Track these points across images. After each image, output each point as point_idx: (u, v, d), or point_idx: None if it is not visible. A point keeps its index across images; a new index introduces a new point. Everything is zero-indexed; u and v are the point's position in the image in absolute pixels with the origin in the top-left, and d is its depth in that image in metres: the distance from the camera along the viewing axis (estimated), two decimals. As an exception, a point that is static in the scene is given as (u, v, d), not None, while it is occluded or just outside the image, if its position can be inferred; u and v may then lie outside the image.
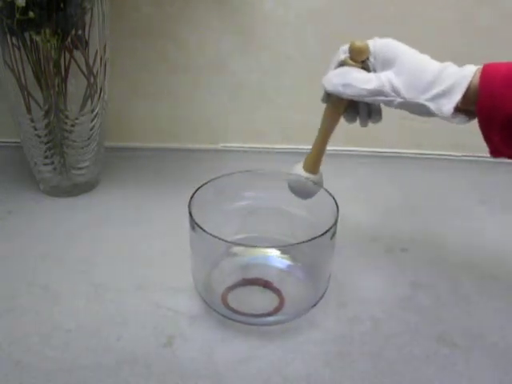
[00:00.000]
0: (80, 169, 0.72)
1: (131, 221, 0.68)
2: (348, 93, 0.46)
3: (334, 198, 0.50)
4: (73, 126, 0.68)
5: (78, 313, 0.52)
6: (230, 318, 0.50)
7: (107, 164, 0.78)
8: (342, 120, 0.52)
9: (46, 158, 0.70)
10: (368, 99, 0.45)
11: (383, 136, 0.83)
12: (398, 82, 0.44)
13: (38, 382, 0.44)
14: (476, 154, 0.86)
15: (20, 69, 0.62)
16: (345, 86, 0.46)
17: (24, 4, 0.55)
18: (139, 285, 0.56)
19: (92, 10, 0.62)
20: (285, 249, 0.55)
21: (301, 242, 0.46)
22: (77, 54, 0.63)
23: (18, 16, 0.56)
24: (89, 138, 0.70)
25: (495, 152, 0.46)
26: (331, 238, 0.48)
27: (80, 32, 0.62)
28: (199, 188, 0.52)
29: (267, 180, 0.57)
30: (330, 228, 0.47)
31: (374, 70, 0.47)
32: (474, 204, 0.74)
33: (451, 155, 0.87)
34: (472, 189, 0.78)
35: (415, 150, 0.87)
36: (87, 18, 0.62)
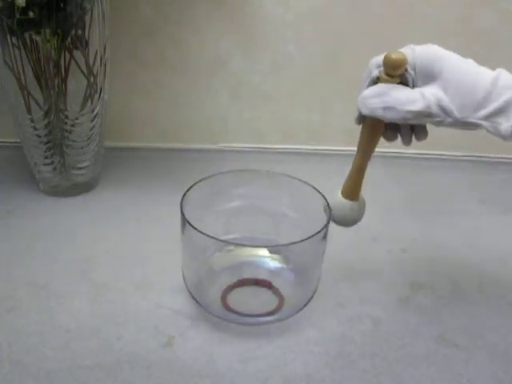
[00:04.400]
0: (80, 169, 0.72)
1: (131, 221, 0.68)
2: (390, 117, 0.40)
3: (326, 199, 0.50)
4: (73, 125, 0.68)
5: (78, 313, 0.52)
6: (226, 320, 0.50)
7: (107, 164, 0.78)
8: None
9: (46, 158, 0.70)
10: (413, 122, 0.41)
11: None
12: (448, 101, 0.39)
13: (37, 382, 0.44)
14: (476, 154, 0.86)
15: (20, 69, 0.62)
16: (386, 109, 0.40)
17: (24, 4, 0.55)
18: (139, 285, 0.56)
19: (92, 10, 0.62)
20: (276, 249, 0.55)
21: (292, 243, 0.45)
22: (77, 53, 0.63)
23: (18, 16, 0.56)
24: (89, 138, 0.70)
25: None
26: (323, 239, 0.48)
27: (80, 32, 0.62)
28: (192, 186, 0.52)
29: (261, 179, 0.56)
30: (322, 229, 0.47)
31: (414, 84, 0.42)
32: (474, 204, 0.74)
33: (451, 155, 0.87)
34: (472, 189, 0.78)
35: (415, 150, 0.87)
36: (87, 18, 0.62)
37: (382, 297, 0.55)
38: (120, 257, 0.60)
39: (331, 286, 0.55)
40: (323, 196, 0.51)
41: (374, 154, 0.47)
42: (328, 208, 0.49)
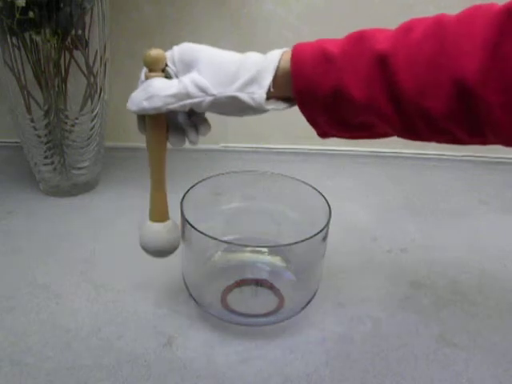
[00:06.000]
0: (80, 169, 0.72)
1: (131, 221, 0.67)
2: (153, 105, 0.43)
3: (326, 199, 0.50)
4: (73, 125, 0.68)
5: (78, 313, 0.52)
6: (226, 320, 0.50)
7: (107, 164, 0.78)
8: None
9: (46, 158, 0.70)
10: (175, 106, 0.42)
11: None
12: (203, 79, 0.42)
13: (38, 382, 0.44)
14: (476, 154, 0.86)
15: (20, 69, 0.62)
16: (148, 99, 0.43)
17: (24, 4, 0.55)
18: (139, 285, 0.56)
19: (92, 10, 0.62)
20: (277, 249, 0.55)
21: (293, 243, 0.45)
22: (77, 54, 0.63)
23: (17, 16, 0.56)
24: (89, 138, 0.70)
25: (322, 134, 0.45)
26: (323, 240, 0.48)
27: (80, 32, 0.62)
28: (192, 187, 0.52)
29: (261, 180, 0.56)
30: (322, 229, 0.47)
31: (178, 77, 0.45)
32: (474, 204, 0.74)
33: (451, 155, 0.87)
34: (472, 189, 0.78)
35: (415, 150, 0.87)
36: (87, 18, 0.62)
37: (382, 297, 0.55)
38: (120, 257, 0.60)
39: (331, 286, 0.55)
40: (323, 196, 0.51)
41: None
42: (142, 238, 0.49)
